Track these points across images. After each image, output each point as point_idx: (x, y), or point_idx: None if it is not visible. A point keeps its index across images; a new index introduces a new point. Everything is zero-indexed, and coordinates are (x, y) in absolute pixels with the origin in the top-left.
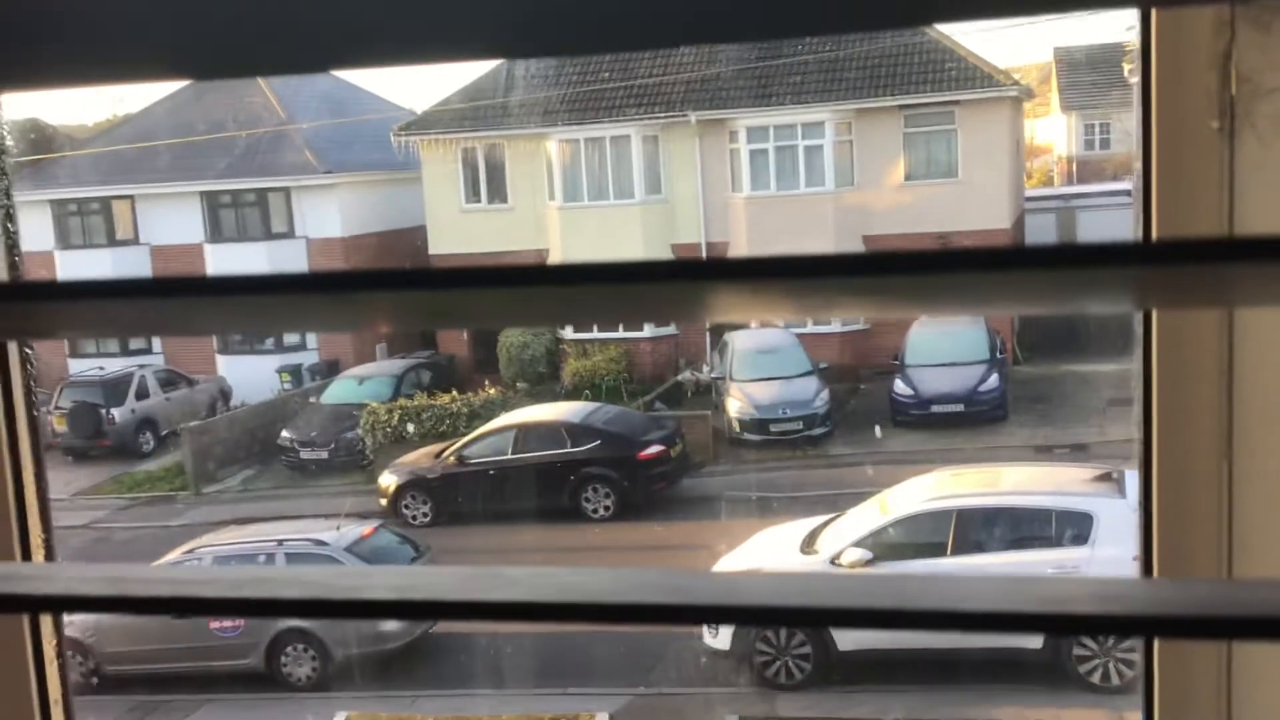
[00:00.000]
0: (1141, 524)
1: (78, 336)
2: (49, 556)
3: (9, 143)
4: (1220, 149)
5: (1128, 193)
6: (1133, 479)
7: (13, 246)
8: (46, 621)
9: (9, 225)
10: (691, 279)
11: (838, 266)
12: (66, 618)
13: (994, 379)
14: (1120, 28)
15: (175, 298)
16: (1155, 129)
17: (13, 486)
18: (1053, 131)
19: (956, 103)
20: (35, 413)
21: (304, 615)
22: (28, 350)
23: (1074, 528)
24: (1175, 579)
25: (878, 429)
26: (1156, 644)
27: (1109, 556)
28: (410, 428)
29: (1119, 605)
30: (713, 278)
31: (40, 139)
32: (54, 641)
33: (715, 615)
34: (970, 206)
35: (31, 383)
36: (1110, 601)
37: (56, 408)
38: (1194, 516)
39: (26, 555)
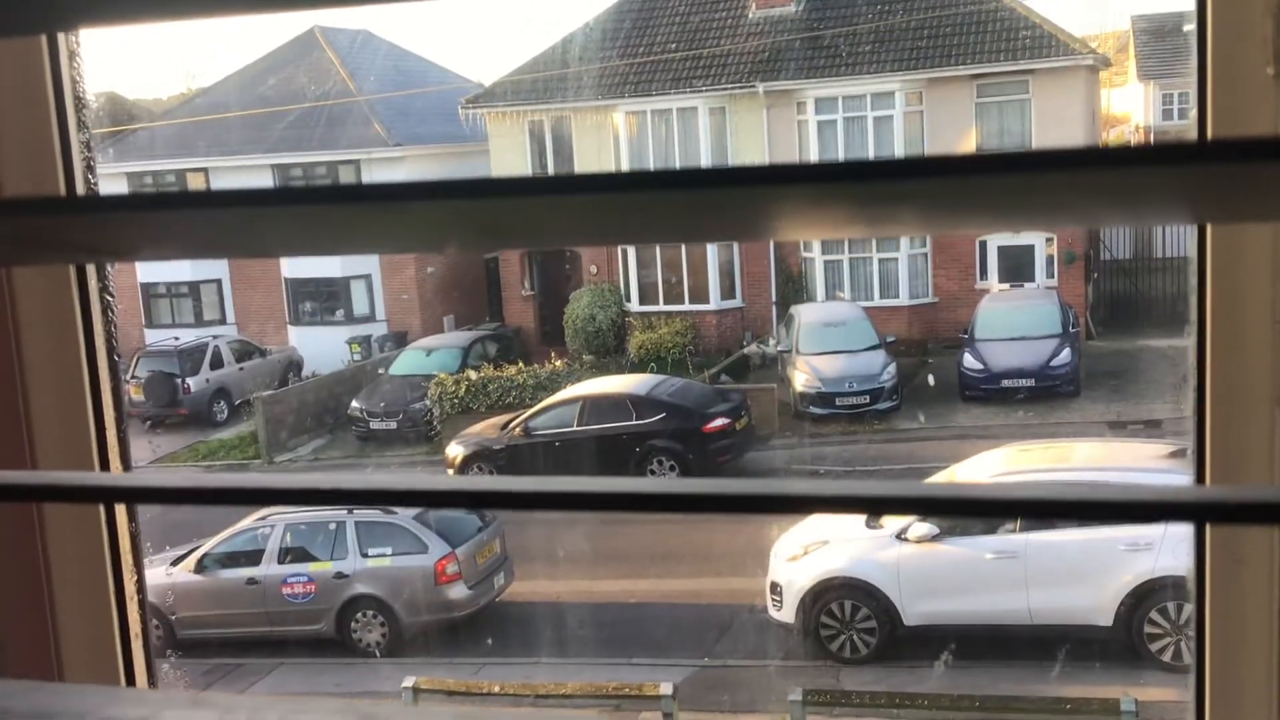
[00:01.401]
0: (1194, 468)
1: (150, 256)
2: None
3: (90, 97)
4: (1277, 95)
5: None
6: None
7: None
8: (127, 558)
9: (90, 177)
10: (752, 184)
11: (896, 170)
12: (148, 581)
13: (1066, 353)
14: None
15: (234, 208)
16: (1211, 77)
17: (94, 424)
18: (1130, 101)
19: (1031, 71)
20: (115, 356)
21: (359, 503)
22: (109, 297)
23: None
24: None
25: (930, 378)
26: (1208, 601)
27: (1183, 533)
28: (476, 396)
29: (1168, 496)
30: (774, 182)
31: (116, 112)
32: (134, 578)
33: (765, 505)
34: None
35: (111, 325)
36: (1159, 493)
37: (133, 377)
38: (1246, 465)
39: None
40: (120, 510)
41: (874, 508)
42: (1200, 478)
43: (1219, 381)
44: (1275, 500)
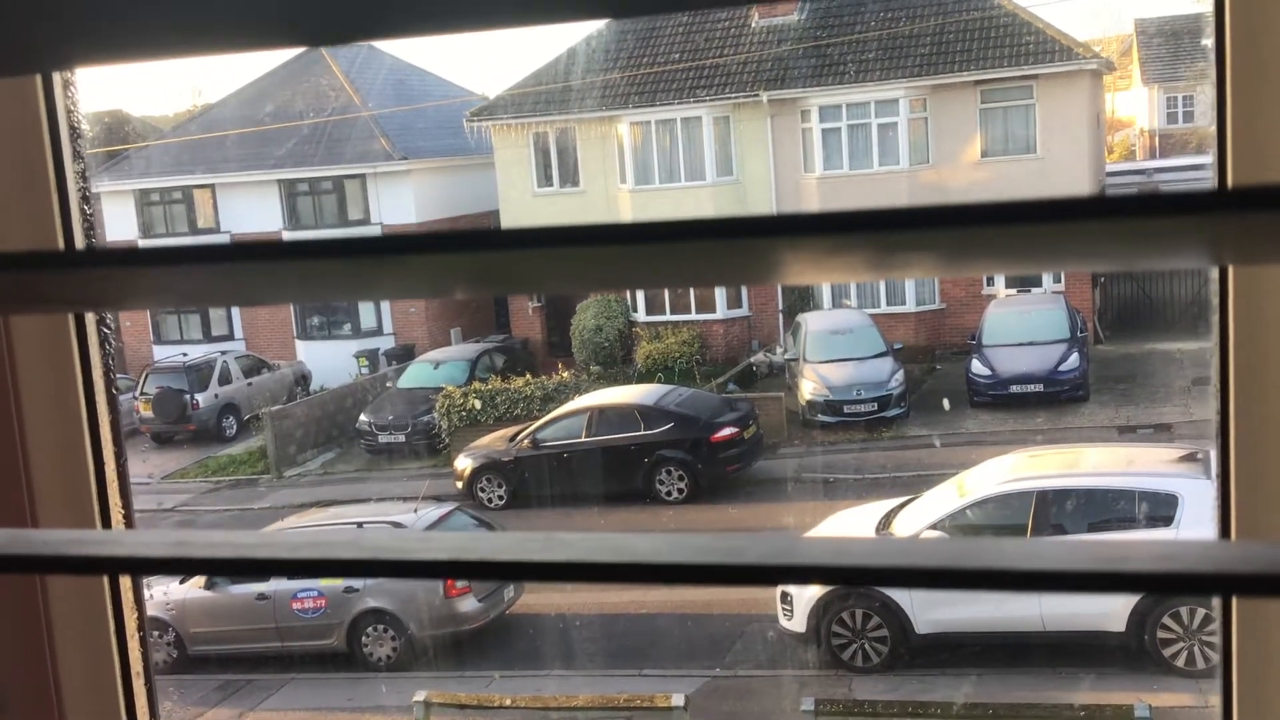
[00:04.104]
0: (1219, 494)
1: (140, 306)
2: (129, 528)
3: (84, 126)
4: None
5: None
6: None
7: (89, 228)
8: (128, 595)
9: (85, 208)
10: (763, 235)
11: (914, 219)
12: (158, 598)
13: (1075, 358)
14: None
15: (225, 264)
16: (1230, 91)
17: (93, 462)
18: (1134, 105)
19: (1034, 76)
20: (114, 391)
21: (356, 575)
22: (105, 330)
23: (1159, 509)
24: (1254, 540)
25: (945, 401)
26: (1235, 621)
27: (1196, 538)
28: (484, 409)
29: (1196, 564)
30: (786, 233)
31: (123, 130)
32: (135, 615)
33: (769, 575)
34: (1049, 183)
35: (109, 360)
36: (1186, 561)
37: (142, 393)
38: (1272, 485)
39: (107, 527)
40: None
41: (912, 580)
42: (1225, 498)
43: (1243, 398)
44: None
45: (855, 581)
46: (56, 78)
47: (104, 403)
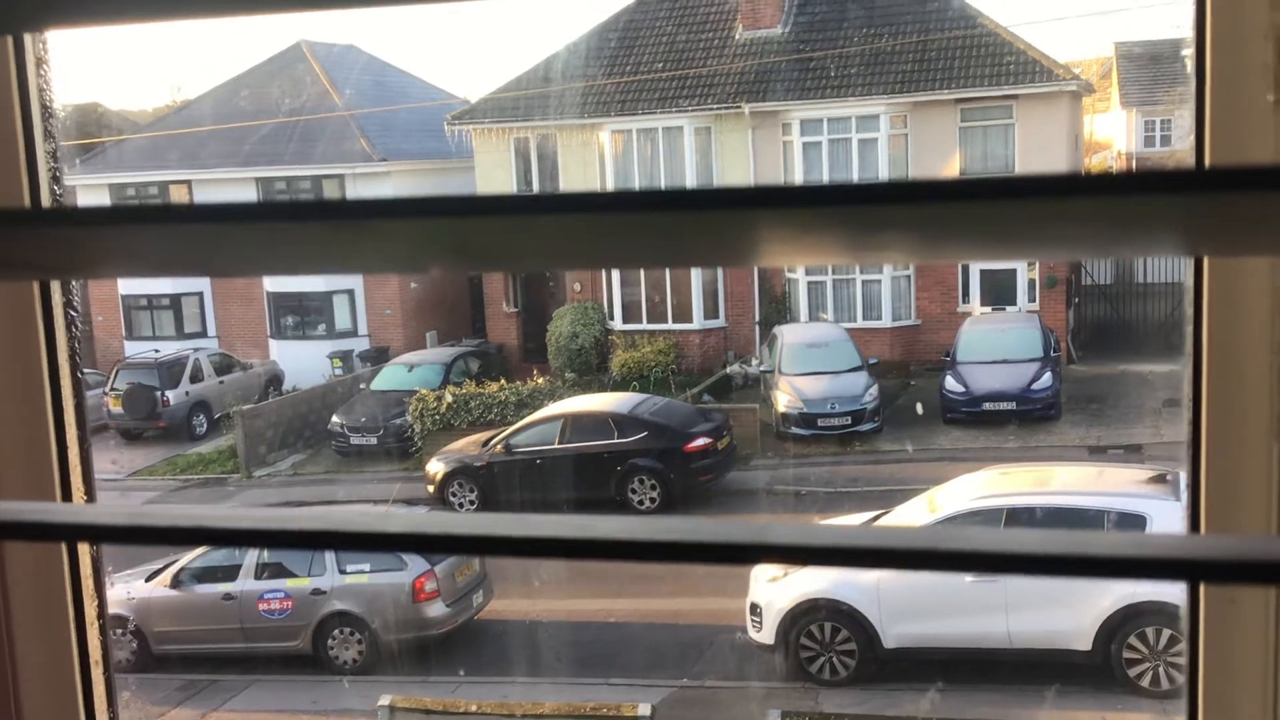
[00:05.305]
0: (1189, 509)
1: (104, 274)
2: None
3: (57, 107)
4: (1276, 123)
5: None
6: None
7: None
8: (87, 582)
9: (55, 188)
10: (738, 207)
11: (890, 193)
12: (120, 595)
13: (1047, 377)
14: (1182, 21)
15: (191, 224)
16: (1209, 104)
17: (55, 445)
18: (1113, 127)
19: (1015, 96)
20: (79, 374)
21: (318, 547)
22: (73, 312)
23: (1127, 530)
24: (1221, 534)
25: (919, 406)
26: (1202, 641)
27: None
28: (458, 413)
29: (1162, 550)
30: (761, 206)
31: (99, 122)
32: (94, 603)
33: (738, 554)
34: None
35: (75, 343)
36: (1153, 547)
37: (112, 389)
38: (1241, 501)
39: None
40: None
41: (875, 560)
42: (1195, 510)
43: (1215, 412)
44: (1274, 559)
45: (825, 562)
46: (29, 55)
47: (68, 386)
